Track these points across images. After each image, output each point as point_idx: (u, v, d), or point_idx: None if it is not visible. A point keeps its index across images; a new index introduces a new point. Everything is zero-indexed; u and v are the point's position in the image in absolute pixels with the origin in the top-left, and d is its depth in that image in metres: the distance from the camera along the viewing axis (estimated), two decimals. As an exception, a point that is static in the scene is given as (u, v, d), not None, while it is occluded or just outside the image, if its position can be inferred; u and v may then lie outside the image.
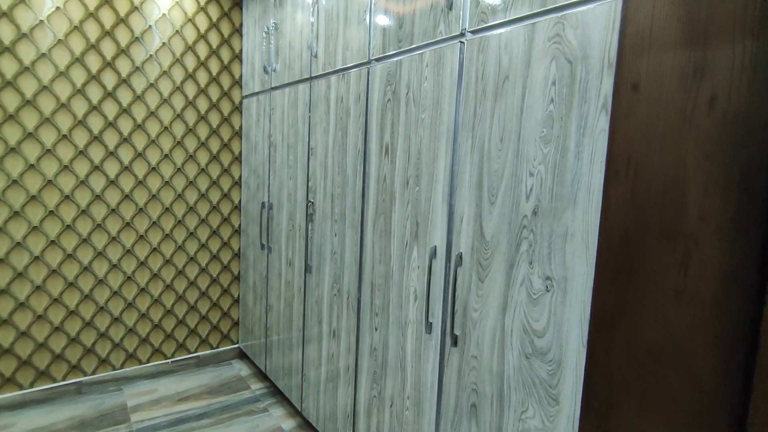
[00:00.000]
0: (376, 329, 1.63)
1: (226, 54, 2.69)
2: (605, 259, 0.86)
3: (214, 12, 2.61)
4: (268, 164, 2.45)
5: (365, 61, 1.65)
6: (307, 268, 2.08)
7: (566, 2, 0.99)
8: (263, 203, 2.51)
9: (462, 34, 1.25)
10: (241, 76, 2.76)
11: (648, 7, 0.78)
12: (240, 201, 2.85)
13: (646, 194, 0.81)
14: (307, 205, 2.06)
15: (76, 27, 2.22)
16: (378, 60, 1.59)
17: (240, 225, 2.87)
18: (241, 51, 2.74)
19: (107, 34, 2.30)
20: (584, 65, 0.96)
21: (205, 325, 2.80)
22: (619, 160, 0.85)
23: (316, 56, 1.95)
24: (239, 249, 2.89)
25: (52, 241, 2.26)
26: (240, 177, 2.83)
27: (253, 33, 2.57)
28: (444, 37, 1.31)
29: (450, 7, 1.28)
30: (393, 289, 1.54)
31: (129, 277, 2.50)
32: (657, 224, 0.80)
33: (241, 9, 2.72)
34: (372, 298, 1.64)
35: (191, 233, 2.68)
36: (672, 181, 0.78)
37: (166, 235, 2.60)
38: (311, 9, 1.96)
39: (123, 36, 2.34)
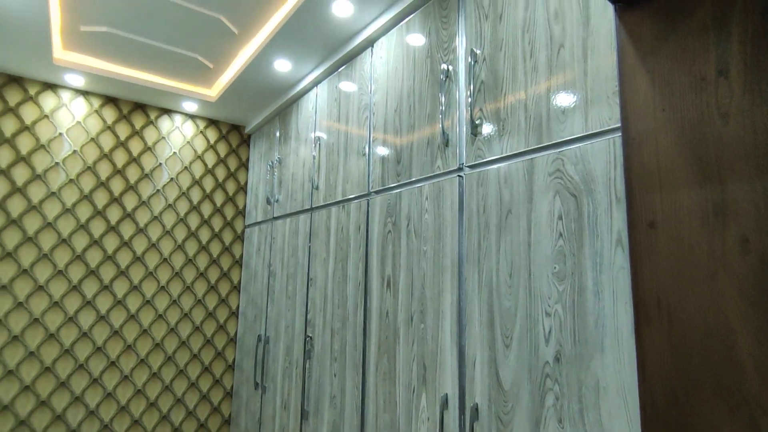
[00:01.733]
0: (381, 496, 1.37)
1: (231, 186, 2.78)
2: (653, 425, 0.72)
3: (222, 149, 2.76)
4: (266, 294, 2.36)
5: (365, 193, 1.65)
6: (304, 414, 1.85)
7: (562, 139, 1.00)
8: (260, 336, 2.35)
9: (460, 169, 1.26)
10: (244, 207, 2.81)
11: (651, 147, 0.76)
12: (236, 333, 2.69)
13: (686, 345, 0.70)
14: (305, 339, 1.92)
15: (89, 167, 2.32)
16: (378, 192, 1.59)
17: (234, 360, 2.67)
18: (246, 183, 2.84)
19: (118, 172, 2.40)
20: (590, 199, 0.92)
21: (187, 482, 2.44)
22: (648, 304, 0.75)
23: (317, 188, 1.99)
24: (232, 387, 2.64)
25: (47, 368, 2.06)
26: (238, 307, 2.72)
27: (258, 167, 2.69)
28: (442, 171, 1.31)
29: (446, 144, 1.31)
30: (400, 444, 1.32)
31: (107, 426, 2.24)
32: (708, 381, 0.67)
33: (249, 146, 2.88)
34: (376, 454, 1.42)
35: (181, 371, 2.47)
36: (713, 330, 0.68)
37: (153, 373, 2.39)
38: (313, 144, 2.05)
39: (133, 174, 2.44)
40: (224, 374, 2.62)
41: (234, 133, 2.82)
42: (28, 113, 2.20)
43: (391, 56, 1.60)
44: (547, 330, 0.97)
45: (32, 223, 2.16)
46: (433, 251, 1.31)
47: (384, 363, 1.44)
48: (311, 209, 2.03)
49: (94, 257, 2.29)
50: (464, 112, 1.26)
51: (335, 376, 1.68)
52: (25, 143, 2.17)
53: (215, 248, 2.67)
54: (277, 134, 2.46)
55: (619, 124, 0.90)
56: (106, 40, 1.94)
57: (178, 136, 2.61)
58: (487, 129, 1.18)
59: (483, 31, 1.24)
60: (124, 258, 2.37)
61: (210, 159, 2.71)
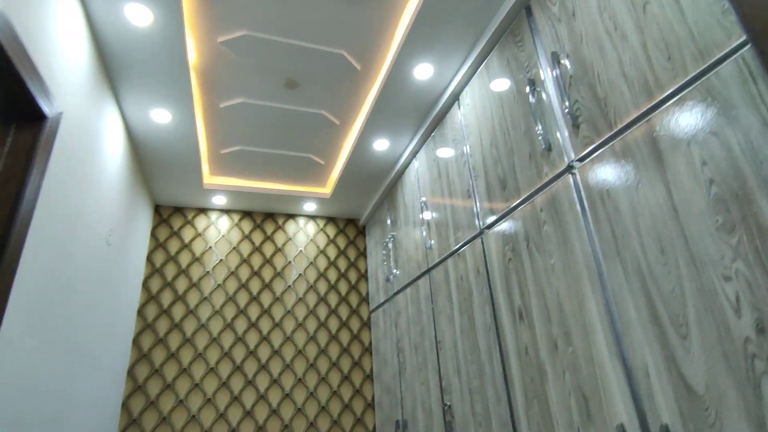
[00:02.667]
0: None
1: (353, 275, 2.89)
2: None
3: (341, 242, 2.95)
4: (399, 375, 2.25)
5: (477, 232, 1.59)
6: (456, 501, 1.59)
7: (677, 85, 0.88)
8: (397, 422, 2.19)
9: (570, 167, 1.16)
10: (367, 293, 2.87)
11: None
12: (374, 427, 2.54)
13: None
14: (443, 411, 1.73)
15: (232, 273, 2.63)
16: (489, 227, 1.52)
17: (376, 457, 2.48)
18: (366, 270, 2.93)
19: (255, 274, 2.67)
20: (734, 129, 0.77)
21: None
22: None
23: (430, 247, 1.97)
24: (377, 490, 2.41)
25: (187, 488, 2.13)
26: (372, 397, 2.61)
27: (375, 253, 2.78)
28: (551, 176, 1.22)
29: (549, 149, 1.24)
30: None
31: None
32: None
33: (365, 236, 3.04)
34: None
35: (323, 471, 2.36)
36: None
37: (297, 474, 2.31)
38: (420, 208, 2.10)
39: (267, 274, 2.69)
40: (367, 475, 2.43)
41: (350, 227, 3.03)
42: (187, 234, 2.64)
43: (477, 100, 1.66)
44: (732, 298, 0.75)
45: (190, 327, 2.44)
46: (561, 262, 1.16)
47: (535, 410, 1.21)
48: (428, 270, 1.99)
49: (239, 354, 2.46)
50: (559, 110, 1.21)
51: (483, 444, 1.45)
52: (184, 259, 2.58)
53: (344, 337, 2.70)
54: (387, 217, 2.58)
55: (740, 41, 0.78)
56: (240, 158, 2.34)
57: (303, 236, 2.87)
58: (588, 113, 1.11)
59: (559, 33, 1.24)
60: (263, 353, 2.51)
61: (331, 252, 2.90)
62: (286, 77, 1.80)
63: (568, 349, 1.11)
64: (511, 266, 1.38)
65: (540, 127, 1.27)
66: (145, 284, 2.46)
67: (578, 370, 1.07)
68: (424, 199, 2.08)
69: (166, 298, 2.47)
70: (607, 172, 1.04)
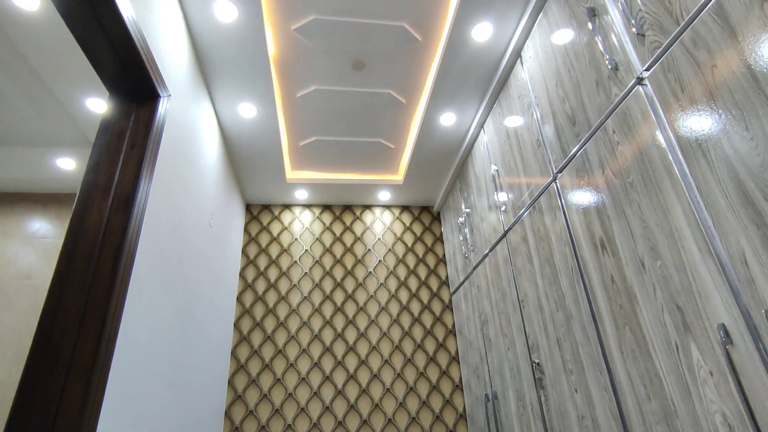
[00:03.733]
0: None
1: (431, 260, 2.92)
2: None
3: (417, 229, 3.01)
4: (485, 351, 2.21)
5: (550, 179, 1.56)
6: (553, 459, 1.51)
7: (746, -47, 0.84)
8: (486, 395, 2.14)
9: (639, 79, 1.13)
10: (446, 277, 2.87)
11: None
12: (464, 408, 2.50)
13: None
14: (532, 369, 1.68)
15: (317, 261, 2.79)
16: (561, 169, 1.49)
17: (468, 439, 2.43)
18: (444, 255, 2.95)
19: (338, 262, 2.81)
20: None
21: None
22: None
23: (505, 210, 1.96)
24: (471, 472, 2.35)
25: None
26: (460, 379, 2.58)
27: (451, 238, 2.79)
28: (620, 96, 1.19)
29: (615, 69, 1.21)
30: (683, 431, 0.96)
31: (354, 508, 2.20)
32: None
33: (440, 222, 3.07)
34: (657, 464, 1.04)
35: (415, 450, 2.36)
36: None
37: (390, 452, 2.34)
38: (492, 176, 2.09)
39: (349, 261, 2.82)
40: (460, 456, 2.38)
41: (425, 214, 3.08)
42: (275, 228, 2.87)
43: (539, 49, 1.66)
44: (832, 146, 0.69)
45: (282, 312, 2.62)
46: (639, 175, 1.11)
47: (627, 337, 1.15)
48: (504, 234, 1.97)
49: (327, 336, 2.58)
50: (622, 25, 1.19)
51: (576, 391, 1.39)
52: (274, 250, 2.79)
53: (427, 319, 2.72)
54: (461, 198, 2.59)
55: None
56: (316, 149, 2.52)
57: (380, 225, 2.98)
58: (653, 17, 1.07)
59: (616, -48, 1.22)
60: (350, 335, 2.61)
61: (408, 239, 2.96)
62: (353, 58, 1.94)
63: (656, 264, 1.05)
64: (587, 198, 1.34)
65: (604, 49, 1.24)
66: (242, 274, 2.70)
67: (669, 282, 1.01)
68: (495, 167, 2.08)
69: (260, 286, 2.68)
70: (679, 67, 0.99)
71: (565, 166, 1.48)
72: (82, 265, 1.18)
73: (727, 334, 0.86)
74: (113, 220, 1.25)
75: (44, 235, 2.58)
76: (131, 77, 1.30)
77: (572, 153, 1.43)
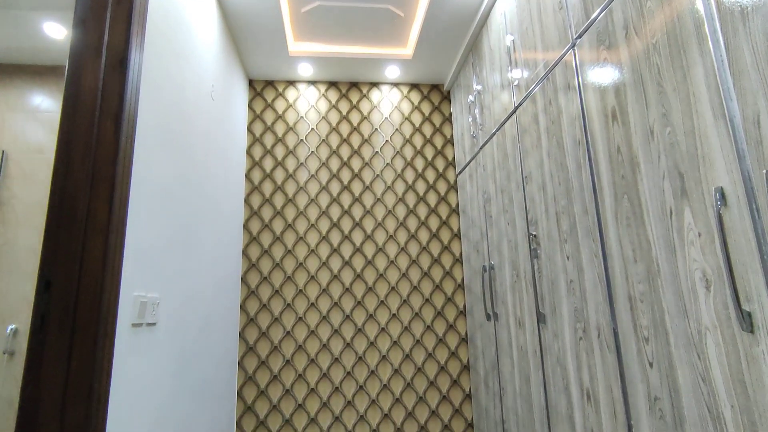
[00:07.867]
0: (650, 364, 1.08)
1: (438, 140, 2.88)
2: None
3: (426, 108, 2.92)
4: (486, 227, 2.29)
5: (569, 45, 1.45)
6: (540, 318, 1.66)
7: None
8: (484, 266, 2.28)
9: None
10: (453, 158, 2.86)
11: None
12: (463, 279, 2.68)
13: None
14: (529, 240, 1.75)
15: (323, 140, 2.77)
16: (581, 34, 1.38)
17: (465, 306, 2.64)
18: (452, 136, 2.90)
19: (344, 141, 2.79)
20: None
21: (436, 423, 2.47)
22: None
23: (517, 85, 1.86)
24: (466, 333, 2.61)
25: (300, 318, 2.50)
26: (461, 254, 2.72)
27: (461, 119, 2.71)
28: (660, -62, 1.04)
29: None
30: (663, 289, 1.03)
31: (360, 358, 2.50)
32: None
33: (449, 101, 2.96)
34: (634, 318, 1.13)
35: (416, 313, 2.59)
36: None
37: (393, 315, 2.58)
38: (508, 47, 1.96)
39: (355, 141, 2.80)
40: (457, 320, 2.62)
41: (434, 92, 2.96)
42: (279, 106, 2.80)
43: None
44: None
45: (291, 189, 2.68)
46: (665, 34, 1.02)
47: (624, 205, 1.17)
48: (515, 109, 1.90)
49: (335, 212, 2.68)
50: None
51: (568, 258, 1.46)
52: (280, 129, 2.76)
53: (432, 199, 2.78)
54: (473, 74, 2.45)
55: None
56: (320, 16, 2.33)
57: (387, 104, 2.89)
58: None
59: None
60: (357, 212, 2.69)
61: (416, 119, 2.89)
62: None
63: (666, 131, 1.02)
64: (604, 66, 1.26)
65: None
66: (249, 152, 2.71)
67: (676, 148, 0.99)
68: (511, 37, 1.92)
69: (268, 164, 2.71)
70: None
71: (585, 30, 1.36)
72: (85, 129, 1.18)
73: (723, 196, 0.86)
74: (109, 83, 1.22)
75: (47, 109, 2.56)
76: None
77: (593, 18, 1.30)
